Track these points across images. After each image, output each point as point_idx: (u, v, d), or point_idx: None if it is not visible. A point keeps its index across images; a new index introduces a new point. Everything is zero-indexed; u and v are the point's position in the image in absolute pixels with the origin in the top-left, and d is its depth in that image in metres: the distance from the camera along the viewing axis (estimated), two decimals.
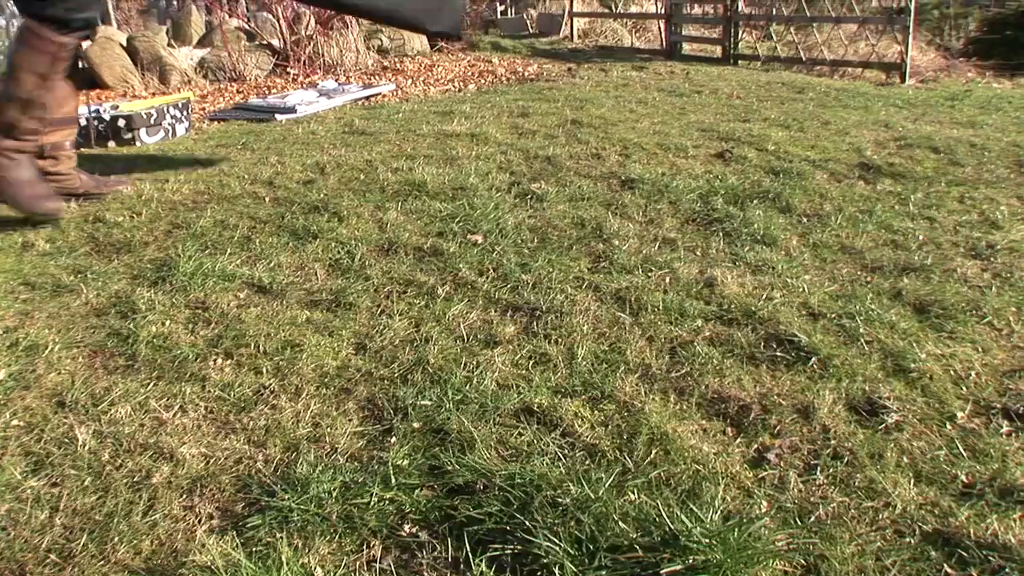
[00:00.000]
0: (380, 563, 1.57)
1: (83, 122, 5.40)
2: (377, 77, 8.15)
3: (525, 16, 11.68)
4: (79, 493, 1.77)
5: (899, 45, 7.77)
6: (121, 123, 5.35)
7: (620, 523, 1.57)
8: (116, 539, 1.63)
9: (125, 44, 8.59)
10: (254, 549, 1.60)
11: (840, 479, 1.77)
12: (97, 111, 5.60)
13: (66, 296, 2.76)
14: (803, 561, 1.53)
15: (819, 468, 1.80)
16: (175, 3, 13.41)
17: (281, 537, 1.61)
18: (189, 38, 10.02)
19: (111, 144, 5.37)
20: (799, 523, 1.64)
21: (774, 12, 9.38)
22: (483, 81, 7.77)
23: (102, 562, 1.59)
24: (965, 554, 1.55)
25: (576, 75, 7.83)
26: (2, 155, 3.31)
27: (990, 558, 1.54)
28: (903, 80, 7.52)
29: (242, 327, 2.48)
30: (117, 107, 5.64)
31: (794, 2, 9.25)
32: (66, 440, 1.95)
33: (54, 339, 2.44)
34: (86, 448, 1.92)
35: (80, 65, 3.55)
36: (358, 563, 1.57)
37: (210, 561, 1.56)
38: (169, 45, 9.15)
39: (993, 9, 10.50)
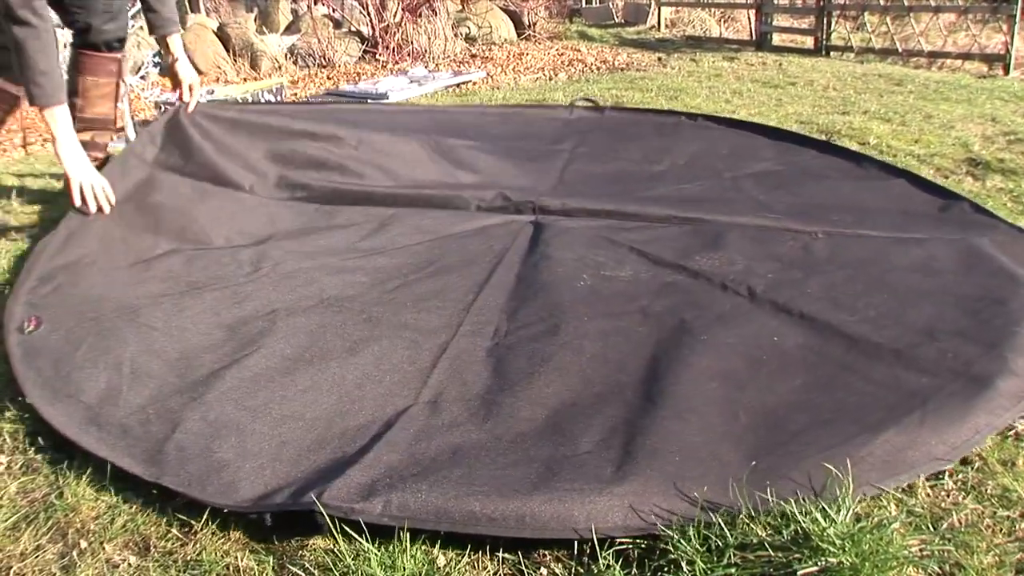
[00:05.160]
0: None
1: None
2: (466, 64, 8.16)
3: (611, 5, 11.59)
4: None
5: (1003, 35, 7.50)
6: None
7: (748, 523, 1.54)
8: None
9: (216, 31, 8.77)
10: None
11: (971, 486, 1.71)
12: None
13: None
14: (938, 569, 1.48)
15: (946, 473, 1.74)
16: None
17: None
18: (276, 25, 10.20)
19: None
20: (931, 529, 1.58)
21: (869, 1, 9.14)
22: (573, 70, 7.72)
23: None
24: None
25: (667, 65, 7.73)
26: None
27: None
28: (1007, 72, 7.24)
29: None
30: (212, 91, 5.76)
31: None
32: None
33: None
34: None
35: None
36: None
37: (332, 544, 1.57)
38: (258, 32, 9.31)
39: None
